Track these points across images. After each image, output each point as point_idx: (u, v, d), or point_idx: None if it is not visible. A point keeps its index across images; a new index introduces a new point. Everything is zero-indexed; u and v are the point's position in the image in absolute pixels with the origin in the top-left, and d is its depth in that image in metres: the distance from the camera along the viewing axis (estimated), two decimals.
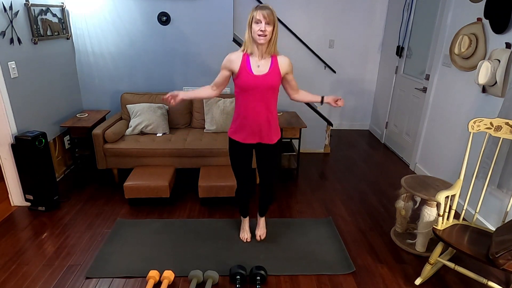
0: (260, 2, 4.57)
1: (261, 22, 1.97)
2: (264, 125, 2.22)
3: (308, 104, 4.17)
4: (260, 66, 2.12)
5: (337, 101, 2.30)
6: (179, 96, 2.20)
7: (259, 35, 2.00)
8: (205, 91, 2.33)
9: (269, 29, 1.99)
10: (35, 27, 3.16)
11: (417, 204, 2.63)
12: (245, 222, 2.68)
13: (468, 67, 3.04)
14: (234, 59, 2.14)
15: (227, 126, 3.61)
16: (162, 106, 3.76)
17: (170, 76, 4.08)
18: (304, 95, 2.40)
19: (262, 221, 2.69)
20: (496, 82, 2.61)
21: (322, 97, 2.36)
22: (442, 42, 3.47)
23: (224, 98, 3.77)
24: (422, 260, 2.49)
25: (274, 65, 2.14)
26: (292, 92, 2.37)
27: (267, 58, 2.13)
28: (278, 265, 2.42)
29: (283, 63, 2.17)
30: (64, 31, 3.67)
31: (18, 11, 2.95)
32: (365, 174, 3.92)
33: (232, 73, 2.18)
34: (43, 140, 2.92)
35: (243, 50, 2.13)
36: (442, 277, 2.37)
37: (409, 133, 4.21)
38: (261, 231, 2.68)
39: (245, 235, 2.66)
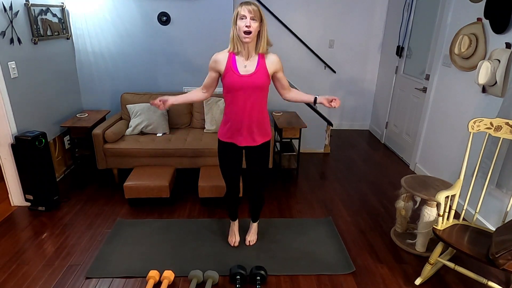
0: (260, 2, 4.57)
1: (245, 18, 1.88)
2: (253, 126, 2.14)
3: (308, 104, 4.17)
4: (246, 66, 2.03)
5: (331, 101, 2.11)
6: (169, 101, 2.13)
7: (244, 32, 1.89)
8: (195, 94, 2.25)
9: (254, 25, 1.90)
10: (35, 27, 3.16)
11: (417, 204, 2.63)
12: (234, 225, 2.63)
13: (468, 67, 3.04)
14: (220, 59, 2.05)
15: None
16: None
17: (170, 76, 4.08)
18: (296, 95, 2.27)
19: (254, 227, 2.63)
20: (496, 82, 2.61)
21: (315, 98, 2.20)
22: (442, 42, 3.47)
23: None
24: (422, 260, 2.49)
25: (261, 64, 2.04)
26: (284, 92, 2.25)
27: (254, 57, 2.04)
28: (278, 265, 2.42)
29: (271, 61, 2.07)
30: (64, 31, 3.67)
31: (18, 11, 2.95)
32: (365, 174, 3.92)
33: (219, 73, 2.10)
34: (43, 140, 2.92)
35: (229, 50, 2.03)
36: (442, 277, 2.37)
37: (409, 133, 4.21)
38: (251, 237, 2.61)
39: (234, 238, 2.60)
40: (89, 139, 3.47)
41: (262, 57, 2.07)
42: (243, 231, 2.69)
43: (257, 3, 1.94)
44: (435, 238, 2.22)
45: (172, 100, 2.16)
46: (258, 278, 2.22)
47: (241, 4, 1.92)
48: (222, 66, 2.06)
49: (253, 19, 1.90)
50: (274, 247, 2.60)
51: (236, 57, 2.05)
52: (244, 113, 2.10)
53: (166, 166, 3.36)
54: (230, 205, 2.54)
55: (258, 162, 2.30)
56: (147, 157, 3.38)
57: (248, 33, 1.91)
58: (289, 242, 2.66)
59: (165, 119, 3.72)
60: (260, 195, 2.46)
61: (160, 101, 2.12)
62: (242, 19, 1.90)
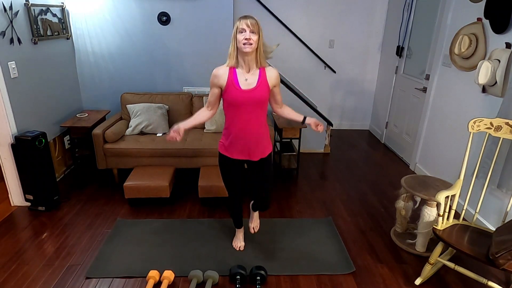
0: (260, 2, 4.58)
1: (245, 31, 1.91)
2: (254, 140, 2.15)
3: (308, 103, 4.17)
4: (248, 80, 2.03)
5: (317, 125, 2.24)
6: (181, 128, 2.12)
7: (244, 44, 1.92)
8: (202, 115, 2.24)
9: (254, 37, 1.93)
10: (35, 27, 3.16)
11: (417, 204, 2.63)
12: (240, 233, 2.61)
13: (468, 67, 3.04)
14: (220, 74, 2.04)
15: None
16: (162, 106, 3.76)
17: (170, 76, 4.08)
18: (287, 111, 2.32)
19: (256, 214, 2.60)
20: (496, 82, 2.61)
21: (305, 118, 2.29)
22: (442, 42, 3.46)
23: None
24: (422, 260, 2.49)
25: (262, 78, 2.05)
26: (276, 106, 2.28)
27: (255, 70, 2.05)
28: (278, 265, 2.42)
29: (271, 75, 2.09)
30: (64, 31, 3.67)
31: (18, 11, 2.95)
32: (365, 174, 3.91)
33: (221, 88, 2.10)
34: (43, 140, 2.92)
35: (228, 65, 2.04)
36: (442, 277, 2.37)
37: (409, 133, 4.21)
38: (254, 223, 2.58)
39: (238, 243, 2.60)
40: (89, 139, 3.47)
41: (263, 70, 2.07)
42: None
43: (255, 17, 1.96)
44: (435, 238, 2.22)
45: (183, 126, 2.15)
46: (258, 278, 2.22)
47: (240, 18, 1.95)
48: (223, 81, 2.05)
49: (253, 32, 1.93)
50: (274, 247, 2.60)
51: (237, 70, 2.05)
52: (245, 128, 2.11)
53: (166, 166, 3.36)
54: (234, 214, 2.53)
55: (262, 175, 2.30)
56: (147, 157, 3.38)
57: (249, 44, 1.93)
58: (289, 242, 2.66)
59: (165, 119, 3.72)
60: (266, 202, 2.44)
61: (174, 132, 2.10)
62: (242, 32, 1.93)
